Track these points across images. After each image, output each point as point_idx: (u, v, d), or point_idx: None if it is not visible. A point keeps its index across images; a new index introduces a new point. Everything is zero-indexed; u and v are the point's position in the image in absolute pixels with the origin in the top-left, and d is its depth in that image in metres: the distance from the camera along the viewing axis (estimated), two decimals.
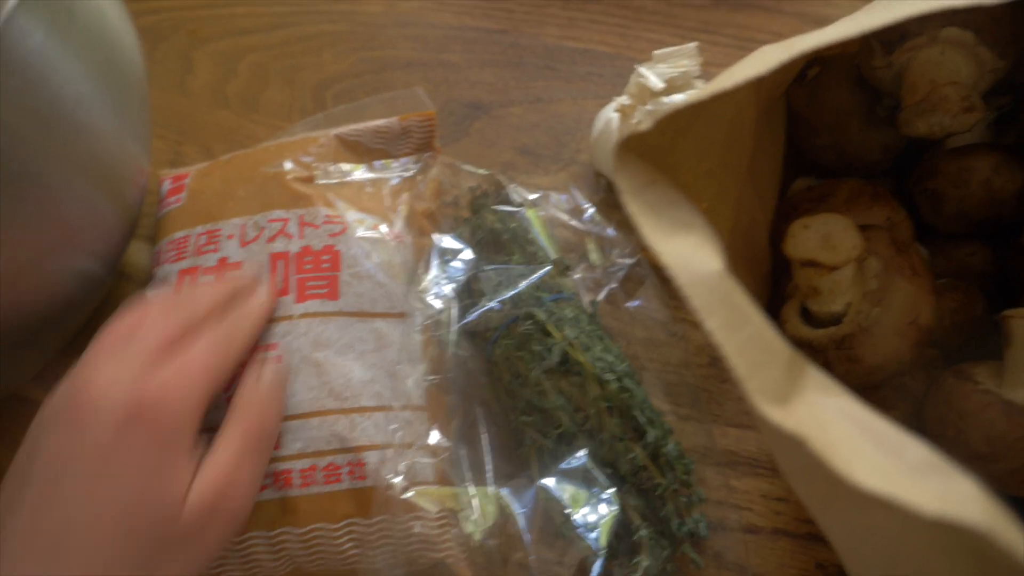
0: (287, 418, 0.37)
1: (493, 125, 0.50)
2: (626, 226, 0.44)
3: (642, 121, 0.22)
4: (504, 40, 0.53)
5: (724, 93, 0.23)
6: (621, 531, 0.35)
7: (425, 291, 0.37)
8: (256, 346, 0.38)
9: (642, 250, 0.43)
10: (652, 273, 0.43)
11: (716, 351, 0.42)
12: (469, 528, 0.33)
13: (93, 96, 0.36)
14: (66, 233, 0.37)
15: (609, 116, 0.44)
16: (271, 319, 0.38)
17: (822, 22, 0.52)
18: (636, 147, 0.21)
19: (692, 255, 0.20)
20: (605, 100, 0.50)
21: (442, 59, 0.53)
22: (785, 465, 0.21)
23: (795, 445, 0.18)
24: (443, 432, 0.35)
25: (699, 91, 0.22)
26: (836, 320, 0.31)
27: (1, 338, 0.37)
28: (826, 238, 0.30)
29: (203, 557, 0.32)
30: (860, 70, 0.37)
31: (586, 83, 0.51)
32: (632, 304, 0.42)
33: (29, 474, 0.30)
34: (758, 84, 0.30)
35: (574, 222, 0.43)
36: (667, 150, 0.23)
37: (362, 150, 0.45)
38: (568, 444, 0.36)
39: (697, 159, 0.25)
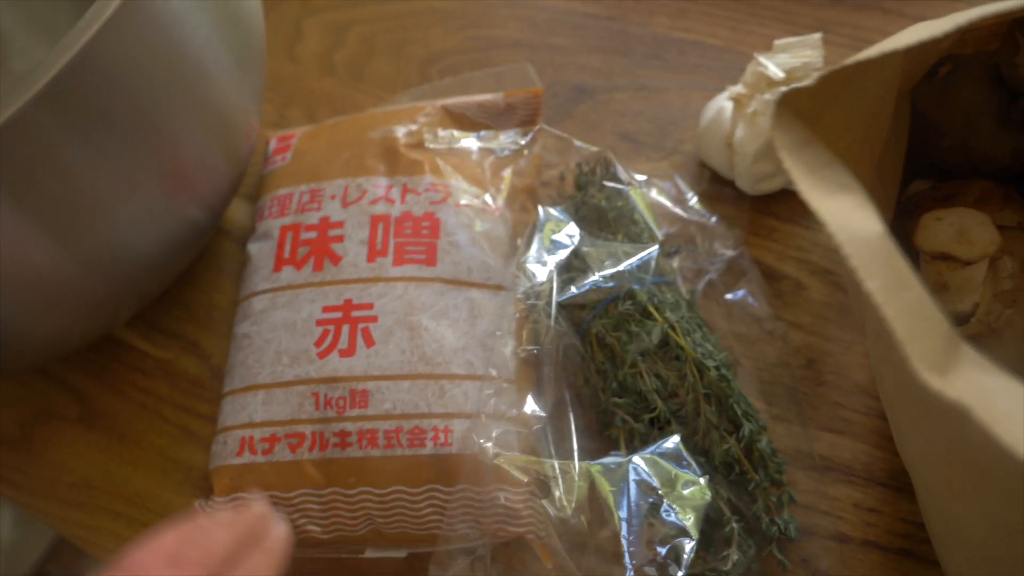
0: (377, 377, 0.37)
1: (597, 109, 0.50)
2: (729, 218, 0.43)
3: (805, 79, 0.21)
4: (613, 27, 0.53)
5: (880, 59, 0.22)
6: (709, 522, 0.34)
7: (526, 263, 0.37)
8: None
9: (744, 243, 0.42)
10: (754, 267, 0.42)
11: (813, 352, 0.41)
12: (558, 501, 0.32)
13: (218, 48, 0.37)
14: (183, 180, 0.38)
15: (721, 105, 0.43)
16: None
17: None
18: (795, 104, 0.20)
19: (852, 215, 0.19)
20: (712, 92, 0.49)
21: (549, 42, 0.53)
22: (932, 442, 0.20)
23: (955, 417, 0.17)
24: (536, 404, 0.35)
25: (860, 54, 0.21)
26: (962, 320, 0.30)
27: (106, 280, 0.38)
28: (961, 231, 0.28)
29: None
30: (998, 69, 0.35)
31: (694, 74, 0.50)
32: (731, 296, 0.41)
33: None
34: (902, 68, 0.28)
35: (677, 209, 0.42)
36: (815, 116, 0.22)
37: (467, 123, 0.45)
38: (659, 429, 0.36)
39: (839, 132, 0.25)
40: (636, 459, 0.33)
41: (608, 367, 0.37)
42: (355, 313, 0.38)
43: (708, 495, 0.33)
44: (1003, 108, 0.36)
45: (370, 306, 0.38)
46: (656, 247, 0.37)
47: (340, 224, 0.40)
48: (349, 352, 0.37)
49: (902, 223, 0.36)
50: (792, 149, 0.20)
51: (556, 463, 0.34)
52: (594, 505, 0.33)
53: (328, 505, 0.36)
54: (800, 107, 0.21)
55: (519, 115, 0.45)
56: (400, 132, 0.43)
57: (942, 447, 0.20)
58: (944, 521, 0.25)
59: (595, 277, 0.36)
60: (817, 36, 0.40)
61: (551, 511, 0.32)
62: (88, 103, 0.30)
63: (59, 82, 0.28)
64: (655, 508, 0.32)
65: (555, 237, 0.38)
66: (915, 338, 0.17)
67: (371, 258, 0.39)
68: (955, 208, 0.29)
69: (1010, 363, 0.30)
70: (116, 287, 0.39)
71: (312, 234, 0.41)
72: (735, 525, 0.33)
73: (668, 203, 0.42)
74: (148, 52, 0.32)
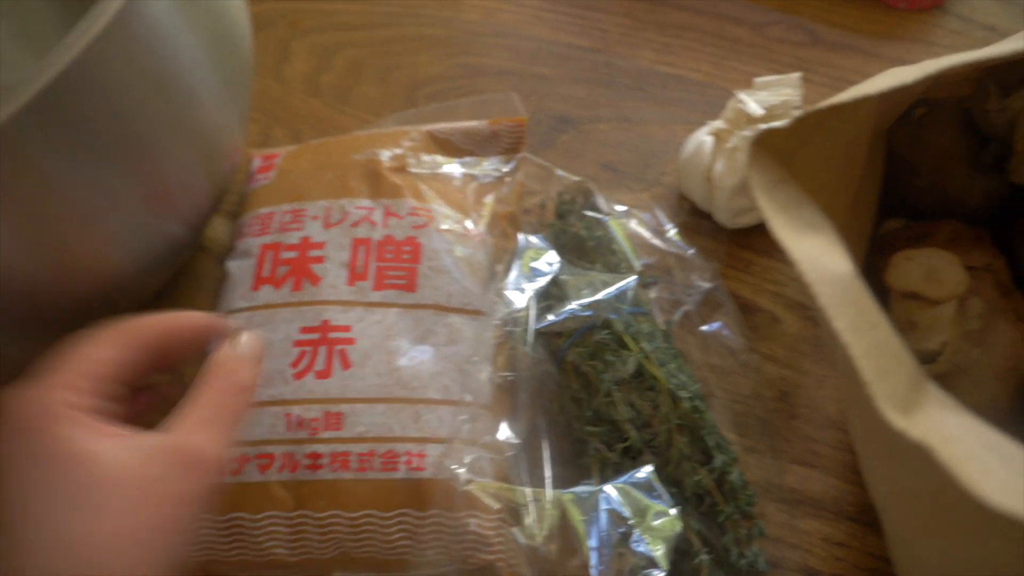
0: (352, 400, 0.37)
1: (580, 139, 0.50)
2: (707, 251, 0.44)
3: (781, 121, 0.22)
4: (598, 59, 0.54)
5: (854, 103, 0.23)
6: (679, 553, 0.34)
7: (505, 289, 0.37)
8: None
9: (721, 275, 0.43)
10: (730, 299, 0.42)
11: (787, 385, 0.41)
12: (528, 529, 0.32)
13: (205, 67, 0.37)
14: (163, 196, 0.37)
15: (701, 140, 0.44)
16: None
17: None
18: (769, 145, 0.21)
19: (821, 255, 0.19)
20: (694, 126, 0.49)
21: (534, 71, 0.54)
22: (897, 479, 0.20)
23: (918, 456, 0.17)
24: (510, 430, 0.35)
25: (834, 98, 0.22)
26: (930, 359, 0.30)
27: (81, 294, 0.38)
28: (930, 272, 0.29)
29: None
30: (971, 113, 0.36)
31: (676, 108, 0.51)
32: (706, 328, 0.41)
33: None
34: (876, 110, 0.29)
35: (656, 241, 0.42)
36: (790, 155, 0.23)
37: (451, 149, 0.45)
38: (633, 459, 0.36)
39: (814, 171, 0.25)
40: (608, 488, 0.33)
41: (583, 395, 0.37)
42: (332, 335, 0.38)
43: (678, 526, 0.33)
44: (974, 151, 0.37)
45: (348, 328, 0.38)
46: (634, 278, 0.37)
47: (321, 245, 0.40)
48: (325, 374, 0.37)
49: (875, 260, 0.37)
50: (766, 188, 0.20)
51: (528, 491, 0.34)
52: (565, 534, 0.33)
53: (296, 528, 0.36)
54: (775, 146, 0.21)
55: (503, 143, 0.45)
56: (384, 155, 0.43)
57: (907, 485, 0.20)
58: (908, 557, 0.26)
59: (573, 306, 0.37)
60: (796, 75, 0.41)
61: (521, 539, 0.32)
62: (72, 118, 0.30)
63: (44, 96, 0.28)
64: (625, 538, 0.32)
65: (534, 264, 0.38)
66: (881, 377, 0.18)
67: (351, 282, 0.39)
68: (925, 248, 0.30)
69: (978, 401, 0.30)
70: (90, 301, 0.39)
71: (292, 254, 0.41)
72: (704, 557, 0.33)
73: (647, 234, 0.42)
74: (135, 70, 0.32)
